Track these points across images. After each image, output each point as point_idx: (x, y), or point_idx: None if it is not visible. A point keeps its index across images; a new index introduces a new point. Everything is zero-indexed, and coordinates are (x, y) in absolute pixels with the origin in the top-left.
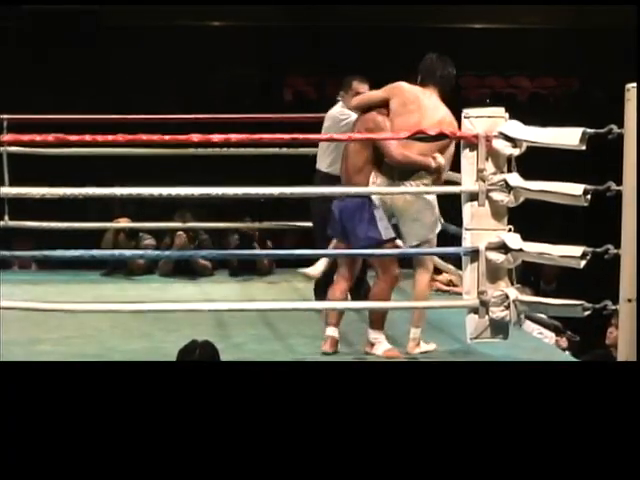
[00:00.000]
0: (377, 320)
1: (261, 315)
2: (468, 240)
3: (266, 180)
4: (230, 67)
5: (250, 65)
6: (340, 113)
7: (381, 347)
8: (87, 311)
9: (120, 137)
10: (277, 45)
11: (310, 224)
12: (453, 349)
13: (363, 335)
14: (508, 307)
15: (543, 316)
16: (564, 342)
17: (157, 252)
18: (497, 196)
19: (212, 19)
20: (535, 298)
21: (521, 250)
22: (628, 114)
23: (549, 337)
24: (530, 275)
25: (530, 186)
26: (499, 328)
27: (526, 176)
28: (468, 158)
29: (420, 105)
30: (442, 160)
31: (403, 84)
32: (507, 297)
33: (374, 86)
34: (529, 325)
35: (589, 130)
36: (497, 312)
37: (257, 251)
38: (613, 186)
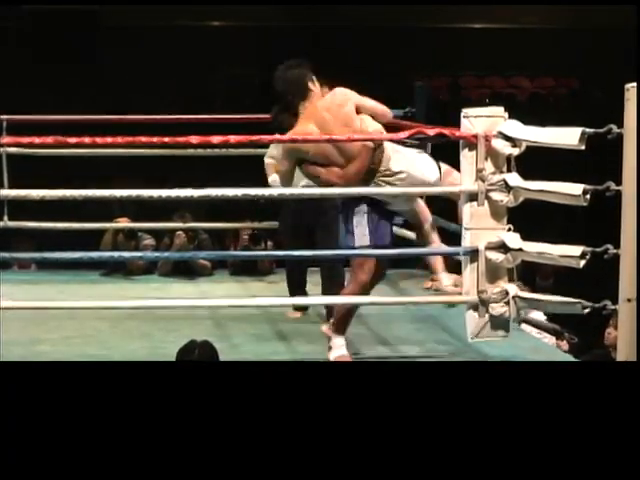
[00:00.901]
0: (340, 323)
1: (261, 315)
2: (467, 240)
3: (266, 181)
4: (230, 67)
5: (250, 65)
6: None
7: (337, 352)
8: (87, 308)
9: (119, 139)
10: (277, 45)
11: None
12: (453, 348)
13: (363, 335)
14: (508, 303)
15: (542, 319)
16: (565, 345)
17: (157, 254)
18: (496, 196)
19: (212, 19)
20: (535, 295)
21: (520, 250)
22: (628, 114)
23: (548, 338)
24: (527, 271)
25: (529, 186)
26: (499, 325)
27: (525, 176)
28: (467, 158)
29: (328, 133)
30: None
31: (311, 127)
32: (507, 293)
33: (354, 85)
34: (528, 326)
35: (588, 130)
36: (497, 308)
37: (256, 252)
38: (613, 186)
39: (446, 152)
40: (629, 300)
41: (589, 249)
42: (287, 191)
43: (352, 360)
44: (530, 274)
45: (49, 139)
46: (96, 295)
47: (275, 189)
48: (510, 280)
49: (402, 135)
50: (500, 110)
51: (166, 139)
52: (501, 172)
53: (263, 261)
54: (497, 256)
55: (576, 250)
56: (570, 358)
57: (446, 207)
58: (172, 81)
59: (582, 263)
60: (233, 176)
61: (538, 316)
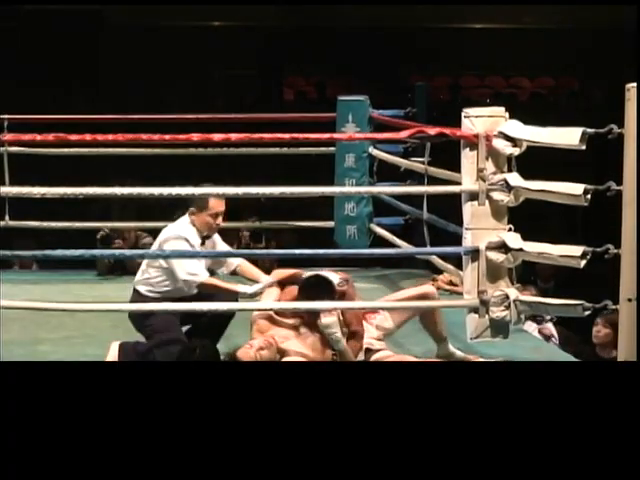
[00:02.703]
0: None
1: None
2: (468, 240)
3: (267, 180)
4: (230, 67)
5: (250, 65)
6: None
7: None
8: (88, 310)
9: (120, 137)
10: (277, 45)
11: (310, 224)
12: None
13: None
14: (508, 307)
15: None
16: (547, 330)
17: (158, 252)
18: (497, 196)
19: (212, 19)
20: (535, 298)
21: (521, 250)
22: (628, 114)
23: (532, 327)
24: (528, 274)
25: (530, 186)
26: (499, 328)
27: (526, 176)
28: (468, 157)
29: None
30: None
31: None
32: (507, 297)
33: (379, 89)
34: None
35: (589, 130)
36: (497, 312)
37: (256, 251)
38: (613, 186)
39: (446, 152)
40: (629, 300)
41: (590, 249)
42: (288, 190)
43: None
44: (531, 277)
45: (50, 136)
46: (97, 295)
47: (275, 188)
48: (510, 280)
49: (403, 134)
50: (501, 110)
51: (167, 137)
52: (502, 172)
53: (264, 260)
54: (498, 256)
55: (577, 250)
56: (570, 358)
57: (445, 207)
58: (172, 81)
59: (583, 263)
60: (233, 175)
61: None
